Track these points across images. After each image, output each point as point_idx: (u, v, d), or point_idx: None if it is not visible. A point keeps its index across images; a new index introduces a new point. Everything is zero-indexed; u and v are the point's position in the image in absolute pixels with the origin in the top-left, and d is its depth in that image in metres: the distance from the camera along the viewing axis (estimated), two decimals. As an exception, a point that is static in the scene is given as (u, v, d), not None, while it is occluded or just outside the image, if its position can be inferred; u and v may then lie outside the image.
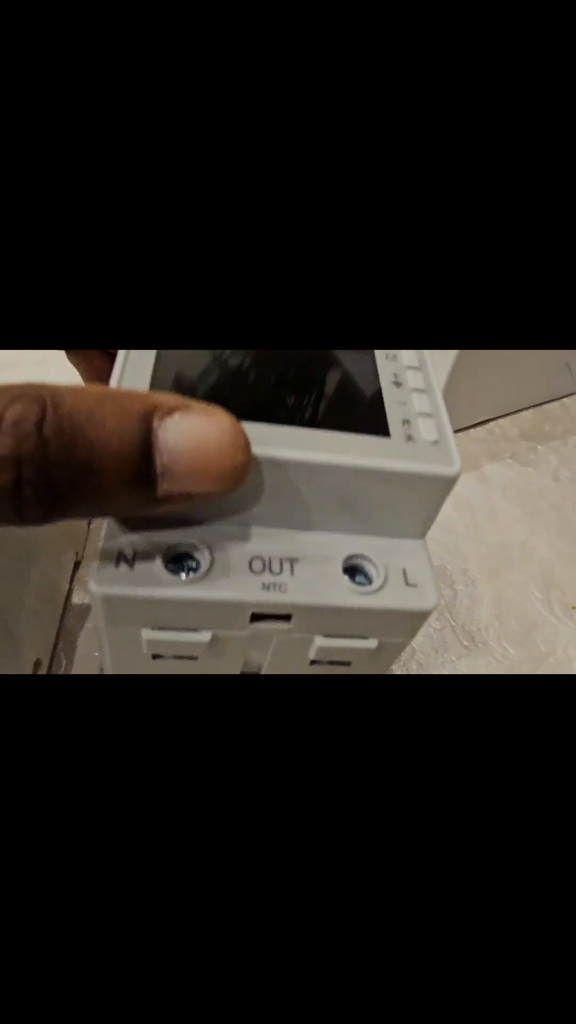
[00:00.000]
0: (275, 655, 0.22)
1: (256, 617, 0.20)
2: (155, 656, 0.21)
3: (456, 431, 0.43)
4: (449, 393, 0.39)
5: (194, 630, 0.20)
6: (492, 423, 0.44)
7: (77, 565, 0.33)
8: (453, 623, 0.34)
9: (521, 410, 0.45)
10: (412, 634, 0.22)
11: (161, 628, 0.20)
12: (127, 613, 0.19)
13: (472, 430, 0.43)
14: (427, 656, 0.33)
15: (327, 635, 0.21)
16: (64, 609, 0.31)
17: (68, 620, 0.31)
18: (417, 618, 0.20)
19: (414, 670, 0.32)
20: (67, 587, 0.31)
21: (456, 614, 0.34)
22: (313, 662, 0.23)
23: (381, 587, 0.20)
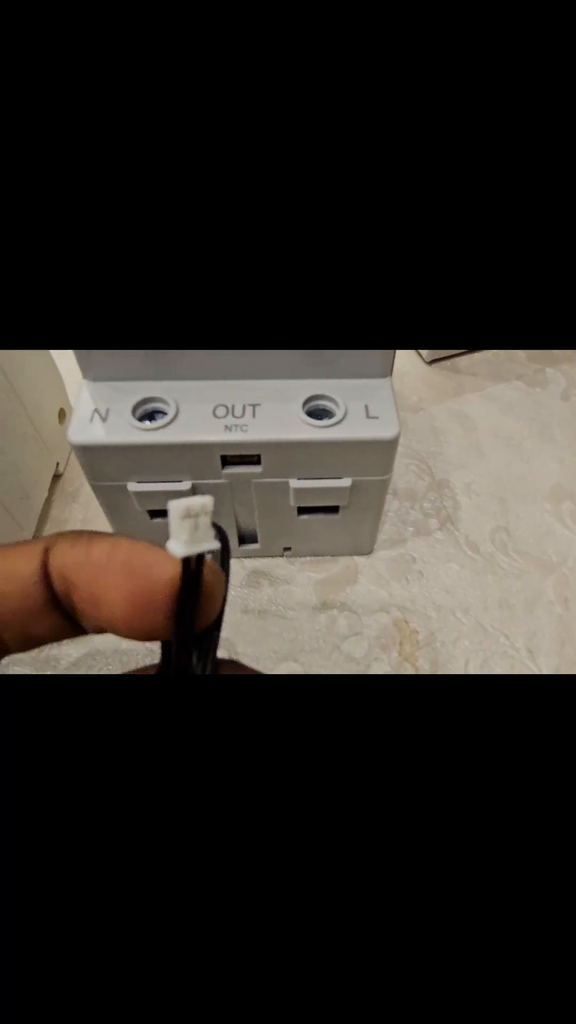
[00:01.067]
0: (260, 506, 0.23)
1: (226, 461, 0.21)
2: (152, 515, 0.23)
3: (460, 353, 0.41)
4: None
5: (174, 480, 0.21)
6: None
7: (57, 477, 0.32)
8: (456, 533, 0.32)
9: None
10: (383, 469, 0.22)
11: (143, 481, 0.21)
12: (106, 464, 0.21)
13: (477, 353, 0.41)
14: (428, 564, 0.30)
15: (300, 478, 0.21)
16: (42, 519, 0.30)
17: (47, 529, 0.30)
18: (380, 448, 0.21)
19: (414, 578, 0.30)
20: (45, 495, 0.30)
21: (459, 524, 0.32)
22: (300, 511, 0.24)
23: (340, 421, 0.21)
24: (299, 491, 0.22)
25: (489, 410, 0.38)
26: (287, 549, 0.28)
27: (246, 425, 0.20)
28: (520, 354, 0.41)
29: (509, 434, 0.37)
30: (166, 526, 0.25)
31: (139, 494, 0.22)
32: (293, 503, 0.22)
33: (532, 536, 0.32)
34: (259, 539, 0.27)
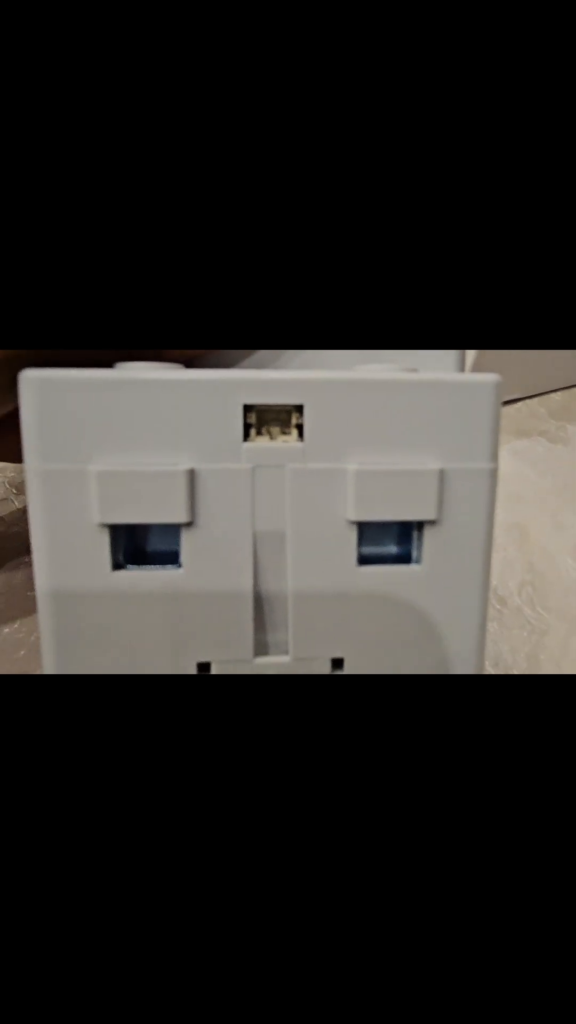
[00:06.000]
0: (297, 519, 0.13)
1: (249, 429, 0.13)
2: (117, 555, 0.13)
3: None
4: (476, 371, 0.38)
5: (163, 460, 0.13)
6: (520, 403, 0.43)
7: None
8: (484, 586, 0.32)
9: (549, 392, 0.44)
10: (483, 443, 0.14)
11: (113, 456, 0.13)
12: (66, 426, 0.12)
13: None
14: (457, 616, 0.31)
15: (362, 462, 0.13)
16: None
17: None
18: (477, 400, 0.13)
19: (443, 630, 0.30)
20: None
21: (487, 577, 0.33)
22: (361, 533, 0.14)
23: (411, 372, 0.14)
24: (363, 479, 0.13)
25: (511, 464, 0.39)
26: (337, 664, 0.14)
27: (283, 368, 0.15)
28: (541, 410, 0.43)
29: (533, 489, 0.37)
30: (139, 580, 0.14)
31: (104, 476, 0.12)
32: (352, 513, 0.13)
33: (558, 592, 0.33)
34: (291, 635, 0.14)
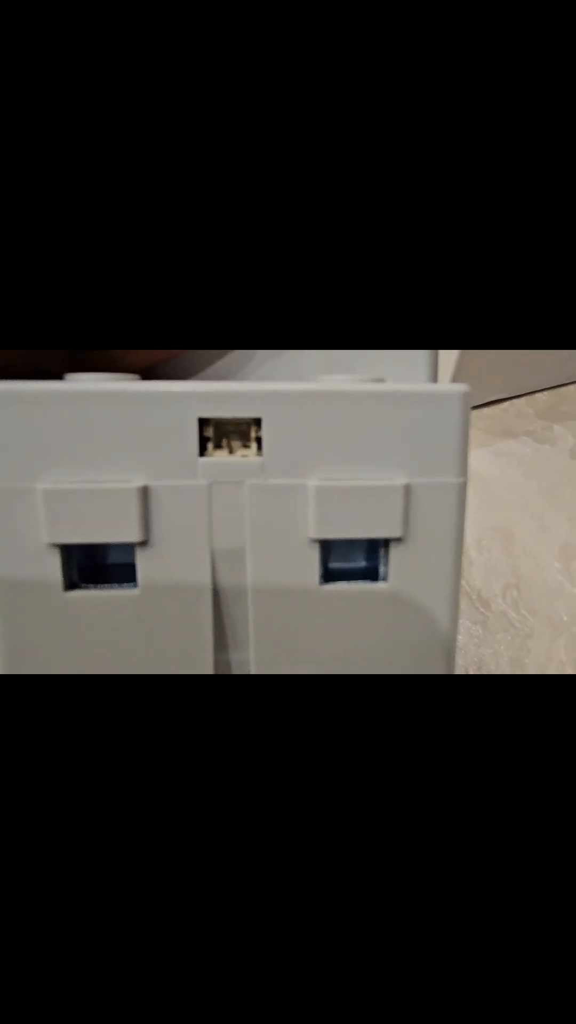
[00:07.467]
0: (256, 537, 0.13)
1: (206, 443, 0.12)
2: (70, 574, 0.13)
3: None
4: (461, 370, 0.38)
5: (115, 479, 0.12)
6: (507, 402, 0.42)
7: None
8: (467, 588, 0.32)
9: (536, 391, 0.43)
10: (452, 457, 0.13)
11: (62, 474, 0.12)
12: (12, 442, 0.12)
13: (485, 408, 0.42)
14: (440, 621, 0.31)
15: (324, 478, 0.13)
16: None
17: None
18: (444, 411, 0.13)
19: (426, 635, 0.30)
20: None
21: (471, 580, 0.32)
22: (328, 548, 0.13)
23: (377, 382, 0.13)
24: (324, 495, 0.13)
25: (497, 466, 0.38)
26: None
27: (246, 380, 0.15)
28: (529, 410, 0.42)
29: (518, 491, 0.37)
30: (93, 600, 0.13)
31: (50, 495, 0.12)
32: (314, 531, 0.13)
33: (543, 595, 0.32)
34: (253, 655, 0.14)
